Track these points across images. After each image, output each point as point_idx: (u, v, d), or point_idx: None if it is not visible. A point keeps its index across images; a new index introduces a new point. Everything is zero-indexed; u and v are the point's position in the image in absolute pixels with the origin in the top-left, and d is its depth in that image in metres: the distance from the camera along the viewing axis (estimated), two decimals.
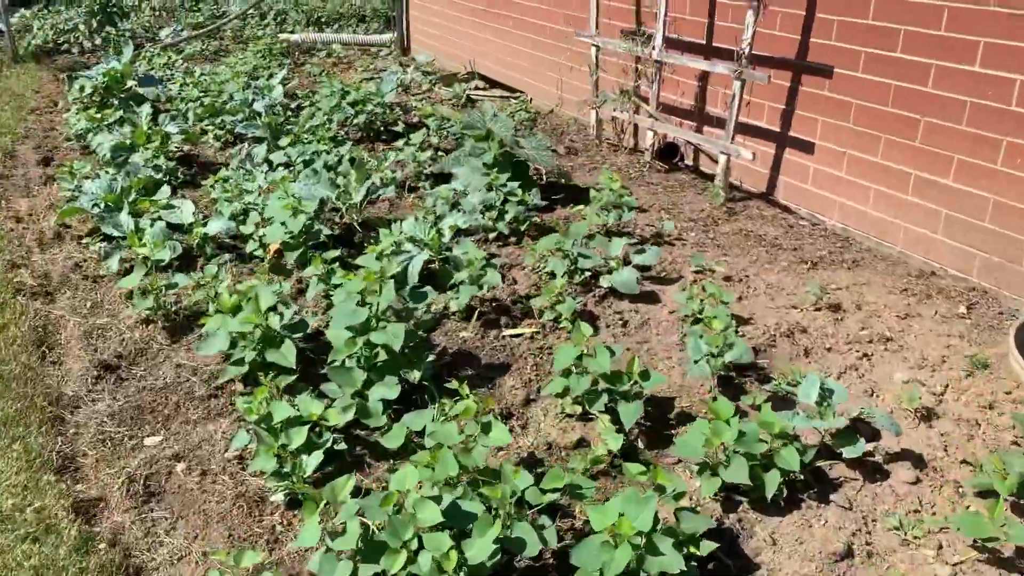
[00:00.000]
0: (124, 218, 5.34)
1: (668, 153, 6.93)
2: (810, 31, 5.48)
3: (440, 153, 6.75)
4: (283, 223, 4.98)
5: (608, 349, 3.52)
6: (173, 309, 4.55)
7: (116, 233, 5.33)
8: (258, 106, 7.59)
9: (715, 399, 3.43)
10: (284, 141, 6.69)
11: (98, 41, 11.97)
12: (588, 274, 4.70)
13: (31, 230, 5.77)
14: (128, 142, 6.73)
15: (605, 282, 4.64)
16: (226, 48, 12.05)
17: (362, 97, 7.48)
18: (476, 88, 9.72)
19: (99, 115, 7.59)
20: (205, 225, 5.25)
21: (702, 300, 4.13)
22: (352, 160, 6.36)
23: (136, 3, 13.75)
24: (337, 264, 4.69)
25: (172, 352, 4.29)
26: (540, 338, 4.28)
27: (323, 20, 13.52)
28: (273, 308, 3.88)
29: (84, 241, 5.41)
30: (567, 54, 8.20)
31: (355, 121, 7.51)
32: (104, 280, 5.07)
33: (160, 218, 5.40)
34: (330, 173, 5.56)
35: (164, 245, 4.96)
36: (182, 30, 12.67)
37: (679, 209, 5.98)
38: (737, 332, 4.00)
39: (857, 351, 4.00)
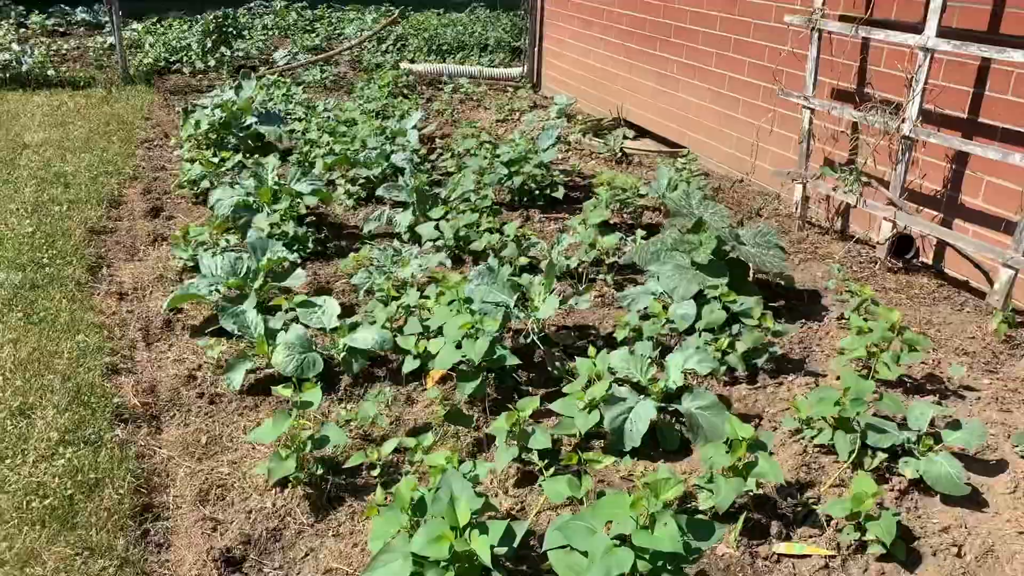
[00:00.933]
0: (251, 315, 4.18)
1: (900, 247, 5.51)
2: None
3: (622, 236, 5.44)
4: (457, 344, 3.75)
5: None
6: (319, 472, 3.34)
7: (238, 331, 4.18)
8: (397, 159, 6.43)
9: None
10: (435, 212, 5.48)
11: (211, 62, 11.07)
12: (883, 455, 3.34)
13: (136, 314, 4.67)
14: (251, 200, 5.63)
15: (908, 469, 3.27)
16: (344, 76, 11.01)
17: (519, 155, 6.24)
18: (624, 137, 8.42)
19: (215, 159, 6.53)
20: (352, 330, 4.05)
21: None
22: (518, 242, 5.12)
23: (250, 22, 12.85)
24: (529, 410, 3.42)
25: (317, 539, 3.07)
26: (837, 568, 2.93)
27: (445, 49, 12.42)
28: (475, 512, 2.63)
29: (201, 343, 4.26)
30: (764, 114, 6.85)
31: (507, 182, 6.28)
32: (224, 400, 3.91)
33: (296, 319, 4.23)
34: (508, 269, 4.31)
35: (302, 359, 3.79)
36: (297, 53, 11.71)
37: (939, 332, 4.58)
38: None
39: None
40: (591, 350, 3.82)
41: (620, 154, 7.85)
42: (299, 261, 5.19)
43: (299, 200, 5.70)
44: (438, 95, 10.24)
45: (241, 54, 11.84)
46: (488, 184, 6.21)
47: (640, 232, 5.42)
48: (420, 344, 3.95)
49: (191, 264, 5.17)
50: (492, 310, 3.97)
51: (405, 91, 9.86)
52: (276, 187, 5.70)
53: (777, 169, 6.43)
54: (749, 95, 7.01)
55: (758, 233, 4.68)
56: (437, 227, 5.42)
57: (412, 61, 11.89)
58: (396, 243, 5.46)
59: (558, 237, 5.15)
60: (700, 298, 4.41)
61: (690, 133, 7.96)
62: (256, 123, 7.39)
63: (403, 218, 5.67)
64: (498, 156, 6.30)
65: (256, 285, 4.53)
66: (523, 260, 4.96)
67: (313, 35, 13.13)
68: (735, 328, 4.21)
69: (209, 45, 11.08)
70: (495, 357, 3.73)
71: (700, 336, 4.15)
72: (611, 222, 5.92)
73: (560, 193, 6.26)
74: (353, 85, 10.47)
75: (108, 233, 5.79)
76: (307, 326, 4.22)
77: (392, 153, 6.57)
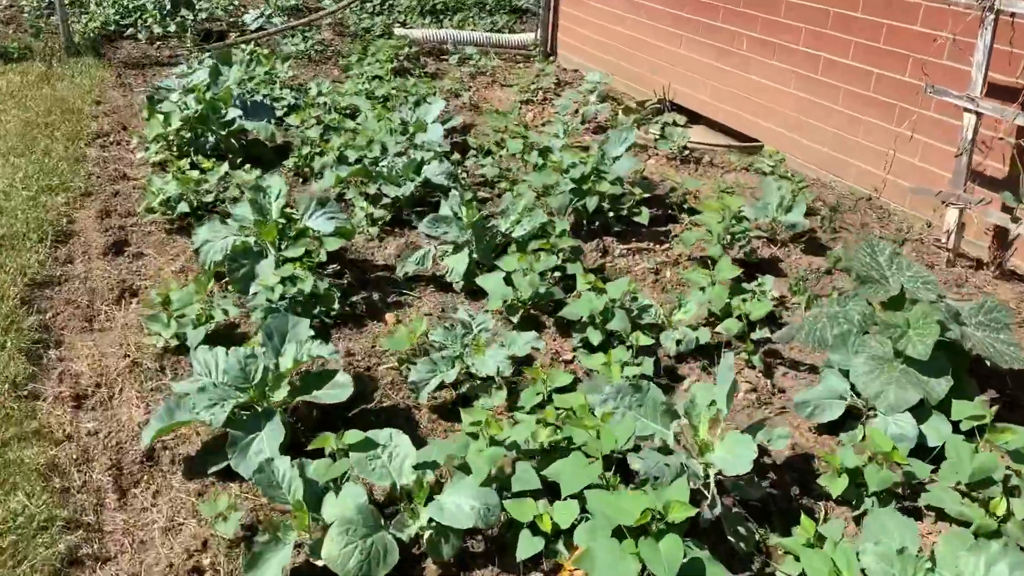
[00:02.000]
0: (281, 467, 2.72)
1: None
2: None
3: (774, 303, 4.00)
4: (616, 529, 2.36)
5: None
6: None
7: (263, 490, 2.71)
8: (432, 172, 4.94)
9: None
10: (508, 263, 4.01)
11: (171, 27, 9.27)
12: None
13: (102, 437, 3.17)
14: (250, 241, 4.10)
15: None
16: (330, 44, 9.31)
17: (591, 170, 4.77)
18: (673, 124, 6.95)
19: (195, 171, 4.96)
20: (438, 491, 2.63)
21: None
22: (625, 307, 3.69)
23: None
24: None
25: None
26: None
27: (439, 9, 10.73)
28: None
29: (205, 507, 2.78)
30: (878, 109, 5.45)
31: (577, 203, 4.82)
32: None
33: (349, 476, 2.77)
34: (656, 393, 2.89)
35: (368, 549, 2.40)
36: (271, 15, 9.94)
37: None
38: None
39: None
40: (805, 523, 2.45)
41: (684, 153, 6.39)
42: (320, 319, 3.71)
43: (317, 241, 4.18)
44: (444, 69, 8.62)
45: (205, 15, 10.03)
46: (557, 209, 4.75)
47: (768, 281, 4.02)
48: (544, 518, 2.55)
49: (176, 343, 3.66)
50: (657, 467, 2.56)
51: (407, 64, 8.22)
52: (283, 222, 4.17)
53: (918, 187, 5.05)
54: (855, 83, 5.60)
55: (981, 308, 3.31)
56: (508, 279, 3.96)
57: (404, 24, 10.20)
58: (453, 304, 4.01)
59: (681, 302, 3.73)
60: (918, 408, 3.06)
61: (763, 123, 6.53)
62: (240, 117, 5.77)
63: (456, 262, 4.20)
64: (565, 171, 4.81)
65: (278, 397, 3.06)
66: (644, 338, 3.53)
67: None
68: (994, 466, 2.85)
69: (168, 6, 9.28)
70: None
71: (944, 487, 2.79)
72: (715, 257, 4.50)
73: (645, 217, 4.82)
74: (343, 56, 8.79)
75: (55, 285, 4.23)
76: (366, 479, 2.77)
77: (423, 163, 5.04)
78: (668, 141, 6.26)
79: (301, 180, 5.66)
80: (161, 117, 5.61)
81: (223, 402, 2.98)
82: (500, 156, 5.64)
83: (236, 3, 10.51)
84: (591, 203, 4.73)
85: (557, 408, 2.99)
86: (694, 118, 7.34)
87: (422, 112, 6.15)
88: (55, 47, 8.47)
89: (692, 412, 2.78)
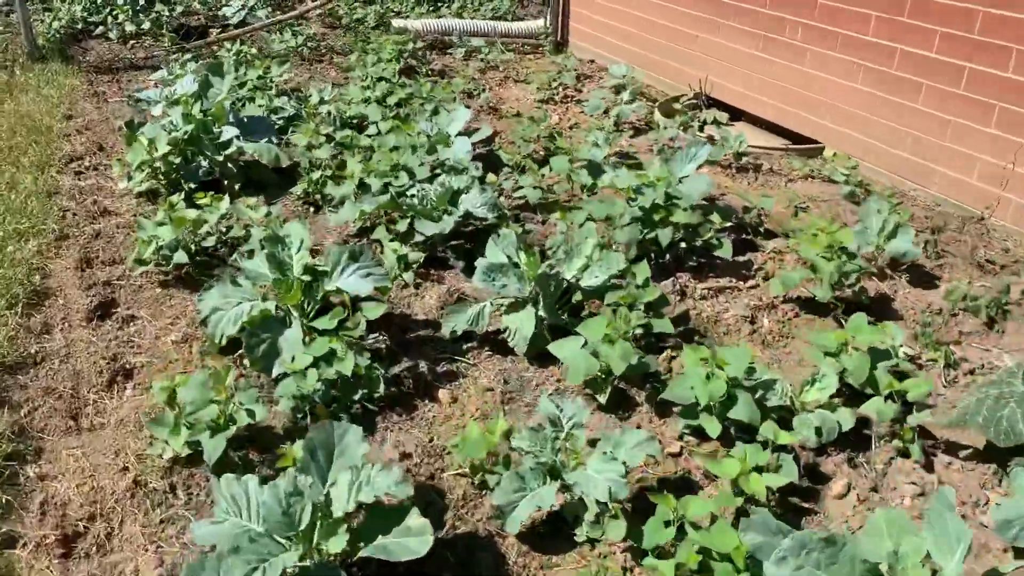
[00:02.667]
0: None
1: None
2: None
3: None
4: None
5: None
6: None
7: None
8: (473, 203, 4.16)
9: None
10: (593, 328, 3.24)
11: (145, 24, 8.33)
12: None
13: None
14: (270, 308, 3.32)
15: None
16: (323, 39, 8.42)
17: (662, 197, 4.00)
18: (715, 123, 6.20)
19: (191, 211, 4.14)
20: None
21: None
22: (745, 386, 2.96)
23: None
24: None
25: None
26: None
27: None
28: None
29: None
30: (972, 110, 4.72)
31: (648, 235, 4.06)
32: None
33: None
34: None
35: None
36: (253, 7, 9.01)
37: None
38: None
39: None
40: None
41: (740, 159, 5.63)
42: (365, 407, 2.95)
43: (350, 302, 3.40)
44: (451, 65, 7.78)
45: (181, 8, 9.09)
46: (625, 244, 3.99)
47: (897, 334, 3.29)
48: None
49: (187, 451, 2.88)
50: None
51: (412, 62, 7.38)
52: (307, 278, 3.38)
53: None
54: (942, 79, 4.87)
55: None
56: (592, 349, 3.20)
57: (399, 14, 9.32)
58: (519, 375, 3.26)
59: (814, 377, 2.99)
60: None
61: (821, 121, 5.79)
62: (238, 138, 4.93)
63: (520, 323, 3.44)
64: (631, 199, 4.04)
65: (335, 548, 2.30)
66: (784, 435, 2.79)
67: None
68: None
69: (143, 2, 8.33)
70: None
71: None
72: (822, 300, 3.77)
73: (728, 249, 4.06)
74: (338, 54, 7.93)
75: (30, 367, 3.42)
76: None
77: (460, 192, 4.25)
78: (722, 146, 5.49)
79: (312, 209, 4.85)
80: (145, 142, 4.75)
81: (265, 563, 2.21)
82: (540, 174, 4.84)
83: None
84: (664, 236, 3.97)
85: (699, 551, 2.26)
86: (735, 114, 6.59)
87: (443, 122, 5.34)
88: (16, 51, 7.53)
89: (899, 568, 2.05)
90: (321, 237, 4.53)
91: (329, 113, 5.88)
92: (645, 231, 4.01)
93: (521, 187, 4.84)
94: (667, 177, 4.07)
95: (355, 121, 5.93)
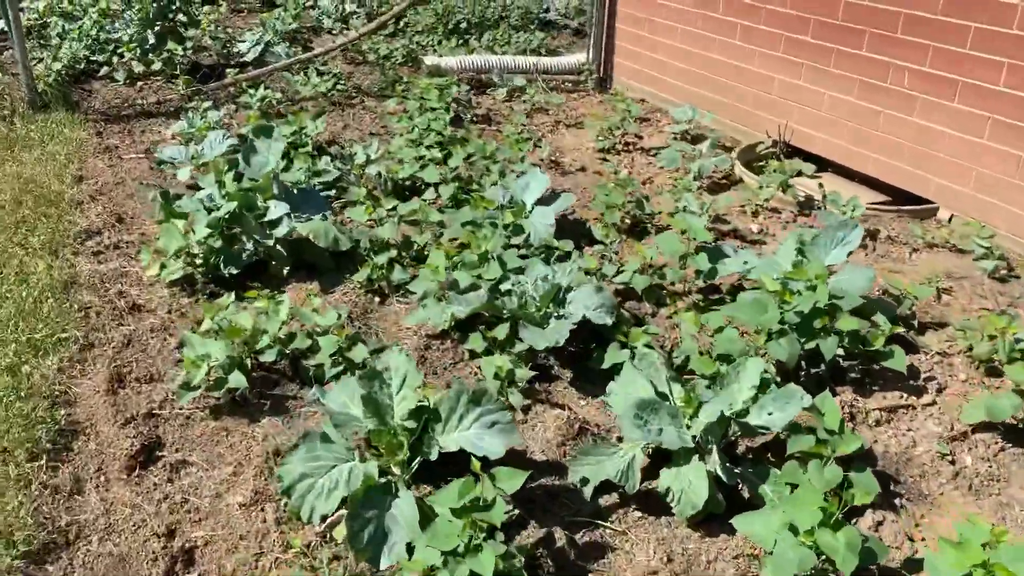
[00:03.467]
0: None
1: None
2: None
3: None
4: None
5: None
6: None
7: None
8: (585, 303, 3.42)
9: None
10: (796, 507, 2.48)
11: (156, 63, 7.54)
12: None
13: None
14: (373, 477, 2.56)
15: None
16: (349, 79, 7.66)
17: (824, 300, 3.27)
18: (799, 175, 5.50)
19: (246, 320, 3.37)
20: None
21: None
22: None
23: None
24: None
25: None
26: None
27: (463, 28, 9.11)
28: None
29: None
30: None
31: (808, 343, 3.33)
32: None
33: None
34: None
35: None
36: (270, 43, 8.23)
37: None
38: None
39: None
40: None
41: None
42: None
43: (475, 466, 2.64)
44: (493, 107, 7.06)
45: (191, 44, 8.28)
46: (787, 359, 3.25)
47: None
48: None
49: None
50: None
51: (457, 105, 6.63)
52: (412, 425, 2.62)
53: None
54: None
55: None
56: (793, 527, 2.46)
57: (424, 48, 8.57)
58: (685, 551, 2.51)
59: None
60: None
61: (934, 179, 5.10)
62: (289, 216, 4.17)
63: (688, 485, 2.70)
64: (784, 302, 3.30)
65: None
66: None
67: (282, 11, 9.57)
68: None
69: (152, 40, 7.53)
70: None
71: None
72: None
73: (902, 361, 3.33)
74: (370, 96, 7.18)
75: (59, 550, 2.64)
76: None
77: (570, 288, 3.51)
78: (829, 211, 4.78)
79: (378, 299, 4.09)
80: (181, 225, 3.98)
81: None
82: (643, 256, 4.10)
83: (228, 30, 8.77)
84: (828, 348, 3.25)
85: None
86: (821, 164, 5.89)
87: (516, 188, 4.62)
88: (15, 98, 6.72)
89: None
90: (394, 336, 3.78)
91: (379, 175, 5.14)
92: (803, 341, 3.27)
93: (622, 270, 4.10)
94: (824, 273, 3.33)
95: (408, 183, 5.19)
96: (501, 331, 3.43)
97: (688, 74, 6.89)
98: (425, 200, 4.94)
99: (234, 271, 4.17)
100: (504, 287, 3.62)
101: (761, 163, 5.90)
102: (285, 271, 4.27)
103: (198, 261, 4.11)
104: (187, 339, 3.33)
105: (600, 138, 6.29)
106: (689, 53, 6.84)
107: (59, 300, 3.94)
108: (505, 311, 3.48)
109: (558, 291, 3.50)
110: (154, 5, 7.48)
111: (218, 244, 4.11)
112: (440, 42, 8.72)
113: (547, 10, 9.87)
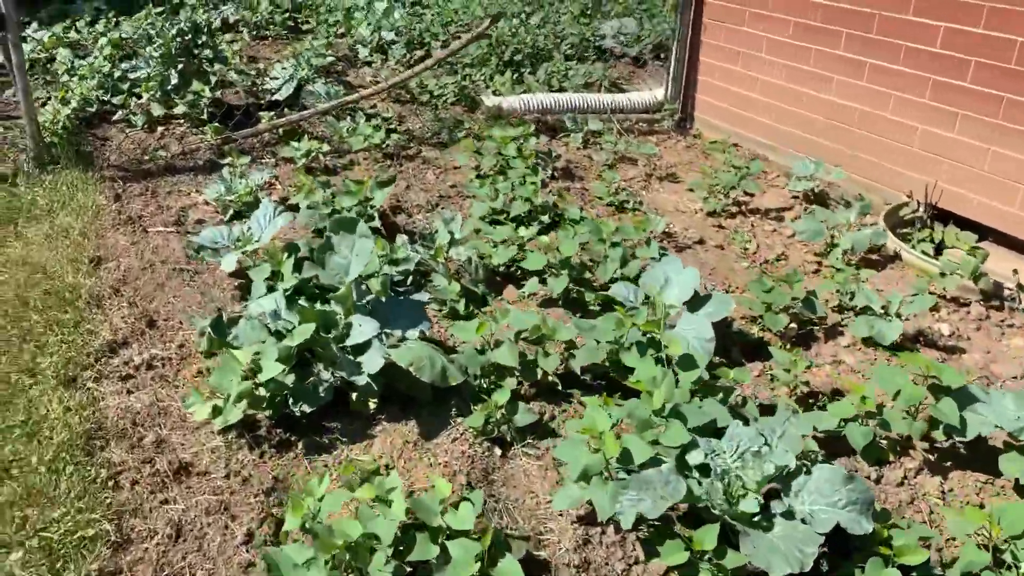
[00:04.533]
0: None
1: None
2: None
3: None
4: None
5: None
6: None
7: None
8: (816, 496, 2.38)
9: None
10: None
11: (180, 106, 6.51)
12: None
13: None
14: None
15: None
16: (399, 120, 6.63)
17: None
18: (957, 244, 4.51)
19: (352, 531, 2.33)
20: None
21: None
22: None
23: (216, 25, 8.12)
24: None
25: None
26: None
27: (518, 60, 8.09)
28: None
29: None
30: None
31: None
32: None
33: None
34: None
35: None
36: (305, 80, 7.19)
37: None
38: None
39: None
40: None
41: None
42: None
43: None
44: (572, 159, 6.04)
45: (214, 79, 7.22)
46: None
47: None
48: None
49: None
50: None
51: (536, 156, 5.59)
52: None
53: None
54: None
55: None
56: None
57: (475, 83, 7.55)
58: None
59: None
60: None
61: None
62: (380, 337, 3.13)
63: None
64: None
65: None
66: None
67: (312, 40, 8.54)
68: None
69: (175, 79, 6.50)
70: None
71: None
72: None
73: None
74: (425, 143, 6.16)
75: None
76: None
77: (790, 474, 2.48)
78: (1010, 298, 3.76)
79: (499, 450, 3.06)
80: (244, 359, 2.95)
81: None
82: (857, 393, 3.07)
83: (259, 66, 7.75)
84: None
85: None
86: (981, 231, 4.87)
87: (649, 282, 3.59)
88: (17, 157, 5.69)
89: None
90: (532, 514, 2.75)
91: (469, 260, 4.11)
92: None
93: (820, 407, 3.07)
94: None
95: (500, 271, 4.17)
96: (707, 537, 2.39)
97: (794, 117, 5.88)
98: (525, 293, 3.94)
99: (307, 409, 3.14)
100: (691, 456, 2.59)
101: (906, 230, 4.90)
102: (372, 405, 3.24)
103: (263, 401, 3.07)
104: (269, 558, 2.29)
105: (707, 197, 5.27)
106: (796, 93, 5.84)
107: (81, 466, 2.91)
108: (709, 505, 2.44)
109: (782, 473, 2.47)
110: (177, 40, 6.44)
111: (289, 380, 3.07)
112: (493, 76, 7.70)
113: (603, 37, 8.86)
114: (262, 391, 3.02)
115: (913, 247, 4.62)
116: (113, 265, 4.39)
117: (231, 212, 4.92)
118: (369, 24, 8.61)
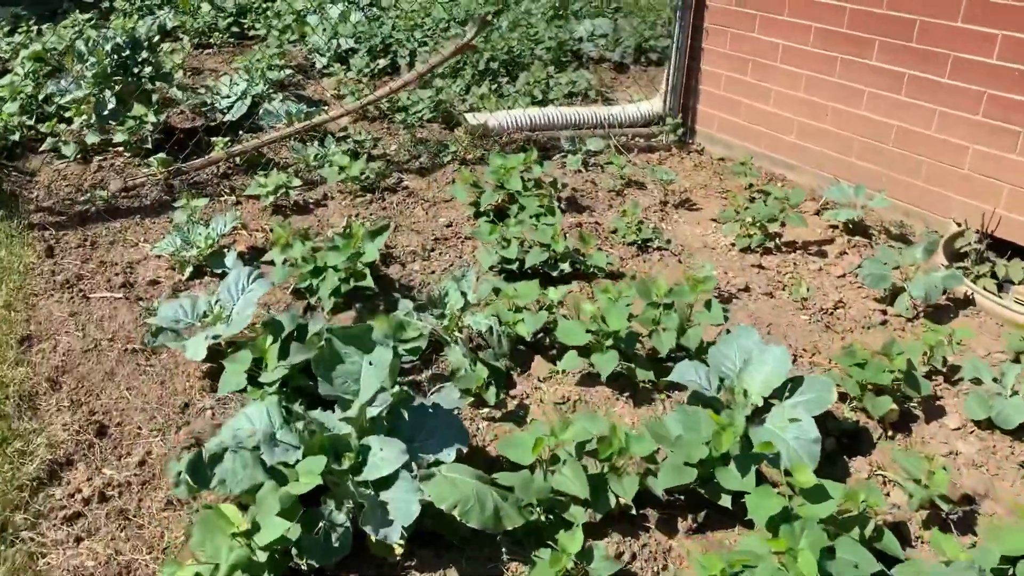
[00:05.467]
0: None
1: None
2: None
3: None
4: None
5: None
6: None
7: None
8: None
9: None
10: None
11: (118, 133, 5.57)
12: None
13: None
14: None
15: None
16: (374, 144, 5.82)
17: None
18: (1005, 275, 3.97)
19: None
20: None
21: None
22: None
23: (156, 37, 7.17)
24: None
25: None
26: None
27: (496, 69, 7.32)
28: None
29: None
30: None
31: None
32: None
33: None
34: None
35: None
36: (264, 96, 6.31)
37: None
38: None
39: None
40: None
41: None
42: None
43: None
44: (577, 186, 5.32)
45: (156, 97, 6.25)
46: None
47: None
48: None
49: None
50: None
51: (542, 189, 4.86)
52: None
53: None
54: None
55: None
56: None
57: (462, 99, 6.76)
58: None
59: None
60: None
61: None
62: (407, 467, 2.38)
63: None
64: None
65: None
66: None
67: (264, 48, 7.62)
68: None
69: (112, 103, 5.56)
70: None
71: None
72: None
73: None
74: (407, 170, 5.37)
75: None
76: None
77: None
78: None
79: None
80: (231, 516, 2.17)
81: None
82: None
83: (206, 82, 6.82)
84: None
85: None
86: None
87: (723, 362, 2.91)
88: None
89: None
90: None
91: (491, 331, 3.36)
92: None
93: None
94: None
95: (529, 341, 3.44)
96: None
97: (820, 134, 5.27)
98: (557, 369, 3.23)
99: (317, 564, 2.37)
100: None
101: (962, 264, 4.32)
102: (398, 550, 2.49)
103: (262, 569, 2.29)
104: None
105: (734, 230, 4.62)
106: (818, 107, 5.23)
107: None
108: None
109: None
110: (112, 57, 5.50)
111: (294, 533, 2.30)
112: (469, 88, 6.93)
113: (580, 40, 8.15)
114: (261, 555, 2.24)
115: (974, 283, 4.04)
116: (48, 347, 3.53)
117: (190, 269, 4.09)
118: (325, 30, 7.73)
